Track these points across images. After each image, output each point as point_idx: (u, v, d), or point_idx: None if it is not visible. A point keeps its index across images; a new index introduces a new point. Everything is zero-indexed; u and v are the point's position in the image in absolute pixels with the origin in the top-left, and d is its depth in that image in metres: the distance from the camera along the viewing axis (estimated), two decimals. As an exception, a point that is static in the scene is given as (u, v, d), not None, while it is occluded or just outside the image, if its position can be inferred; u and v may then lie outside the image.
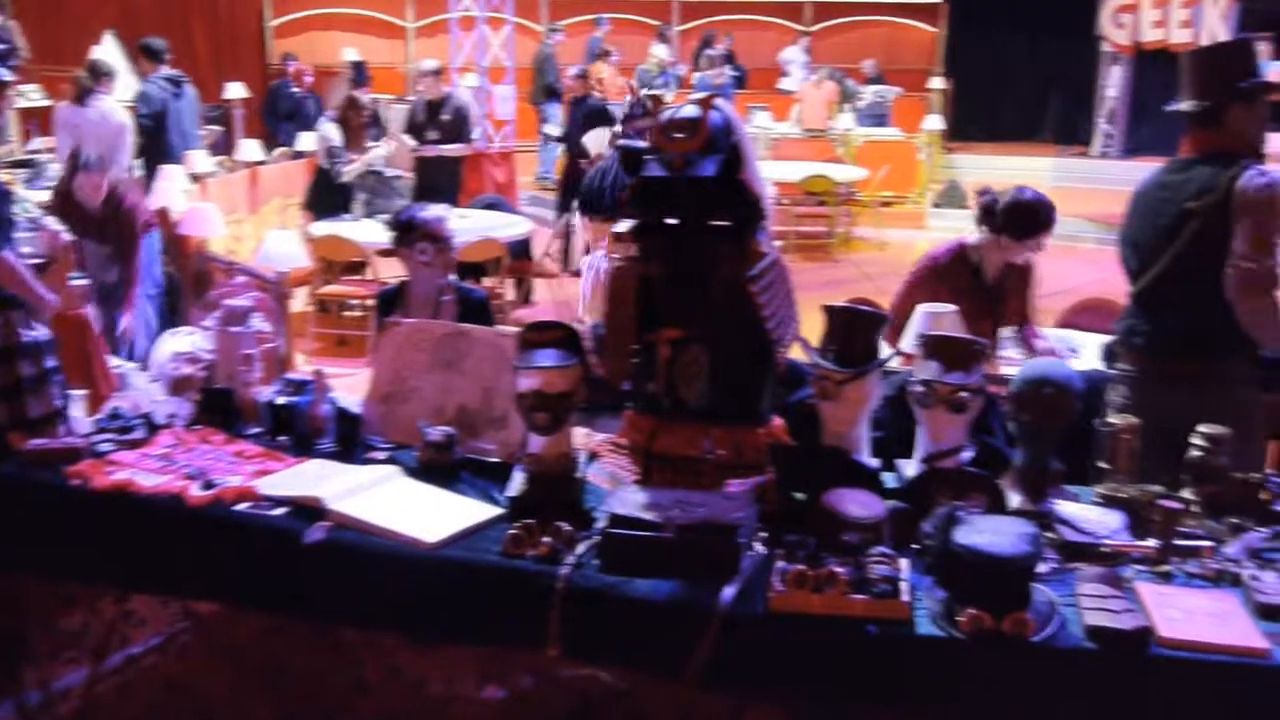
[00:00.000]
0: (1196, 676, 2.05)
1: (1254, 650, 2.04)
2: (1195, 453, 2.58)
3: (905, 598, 2.13)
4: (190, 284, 6.29)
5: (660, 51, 14.00)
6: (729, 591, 2.17)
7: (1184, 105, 3.26)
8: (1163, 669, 2.05)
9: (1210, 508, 2.53)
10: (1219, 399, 3.05)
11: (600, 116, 9.56)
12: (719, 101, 2.58)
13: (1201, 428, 2.59)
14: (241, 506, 2.56)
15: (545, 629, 2.23)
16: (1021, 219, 4.06)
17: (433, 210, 4.09)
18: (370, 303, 6.06)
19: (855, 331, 2.61)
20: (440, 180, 8.35)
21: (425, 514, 2.49)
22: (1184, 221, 3.19)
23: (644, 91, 8.25)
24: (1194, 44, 10.83)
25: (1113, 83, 14.39)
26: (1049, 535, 2.39)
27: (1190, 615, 2.12)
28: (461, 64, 10.71)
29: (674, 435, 2.62)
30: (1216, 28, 12.81)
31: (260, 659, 2.61)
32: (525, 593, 2.27)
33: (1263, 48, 12.39)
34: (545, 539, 2.33)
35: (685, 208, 2.52)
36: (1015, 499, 2.52)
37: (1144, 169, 3.53)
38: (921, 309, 3.66)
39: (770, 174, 7.94)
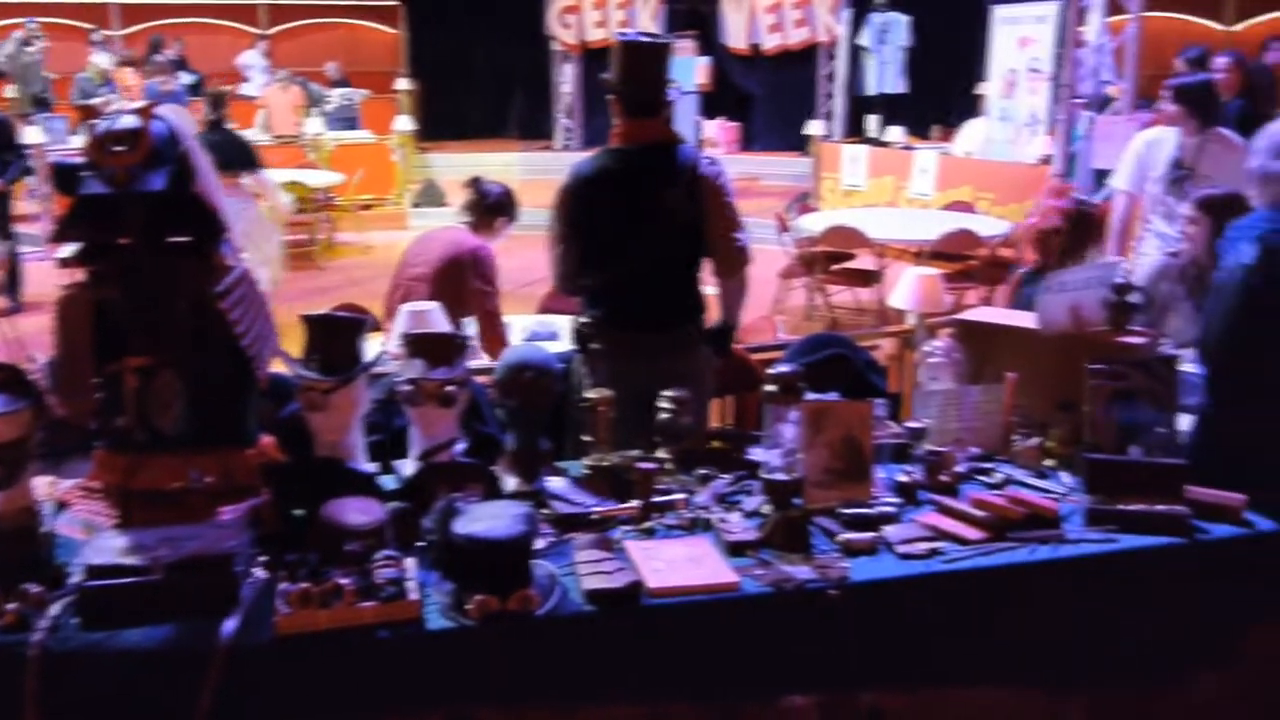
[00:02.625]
0: (683, 617, 2.24)
1: (726, 585, 2.27)
2: (663, 415, 2.83)
3: (414, 596, 2.14)
4: None
5: (101, 60, 12.89)
6: (230, 624, 2.06)
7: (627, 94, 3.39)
8: (655, 617, 2.23)
9: (681, 463, 2.79)
10: (681, 366, 3.35)
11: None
12: (161, 110, 2.43)
13: (666, 392, 2.84)
14: None
15: (22, 706, 1.99)
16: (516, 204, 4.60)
17: None
18: None
19: (336, 339, 2.56)
20: None
21: None
22: (658, 207, 3.37)
23: (82, 102, 7.56)
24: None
25: (566, 80, 15.36)
26: (544, 511, 2.51)
27: (672, 564, 2.33)
28: None
29: (154, 469, 2.44)
30: (649, 27, 14.07)
31: None
32: (-8, 671, 2.01)
33: (687, 44, 13.81)
34: (10, 605, 2.07)
35: (135, 226, 2.34)
36: (511, 482, 2.62)
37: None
38: (404, 308, 3.69)
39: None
